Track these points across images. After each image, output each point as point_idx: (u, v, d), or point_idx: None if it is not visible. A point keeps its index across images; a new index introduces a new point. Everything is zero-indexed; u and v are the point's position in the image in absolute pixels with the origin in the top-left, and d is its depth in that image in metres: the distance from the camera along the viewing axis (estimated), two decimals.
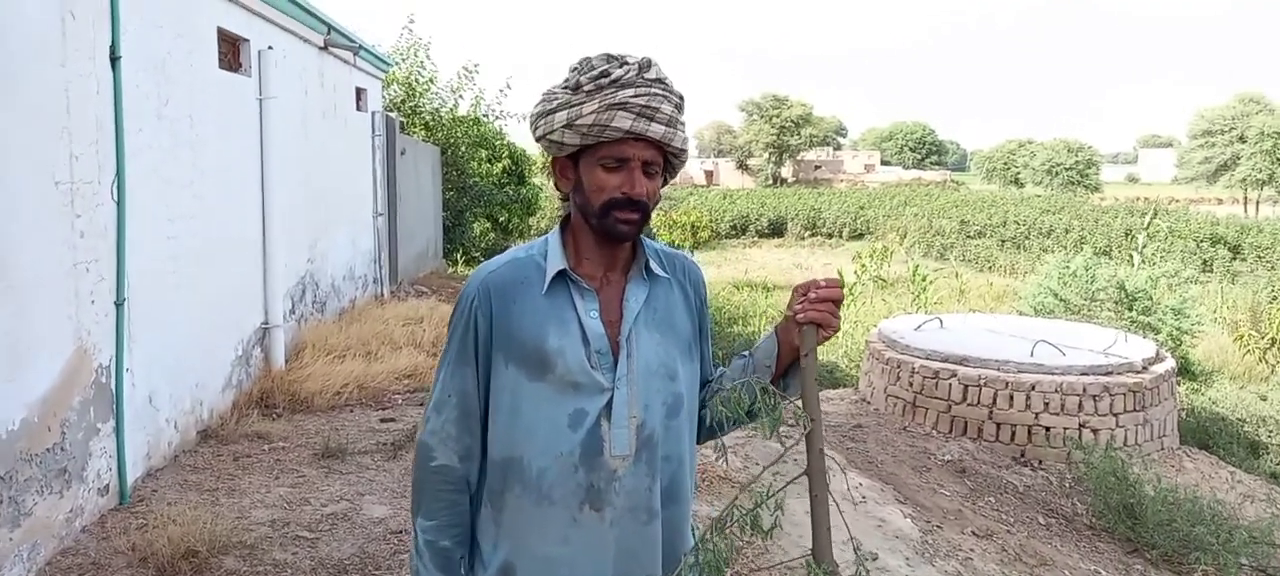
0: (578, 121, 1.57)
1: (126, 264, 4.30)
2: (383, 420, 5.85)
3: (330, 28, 7.89)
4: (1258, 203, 51.04)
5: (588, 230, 1.64)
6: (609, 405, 1.60)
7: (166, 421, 4.92)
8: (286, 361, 6.55)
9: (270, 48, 6.38)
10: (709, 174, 75.91)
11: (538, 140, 1.68)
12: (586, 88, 1.59)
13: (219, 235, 5.62)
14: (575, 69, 1.63)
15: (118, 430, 4.29)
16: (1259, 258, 25.19)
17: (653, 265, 1.69)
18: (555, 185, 1.70)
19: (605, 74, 1.59)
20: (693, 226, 31.83)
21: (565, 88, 1.62)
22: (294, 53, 7.13)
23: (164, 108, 4.84)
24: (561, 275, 1.63)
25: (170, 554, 3.71)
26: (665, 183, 1.70)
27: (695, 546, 1.43)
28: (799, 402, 1.56)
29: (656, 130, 1.57)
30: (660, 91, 1.58)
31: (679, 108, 1.62)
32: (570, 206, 1.68)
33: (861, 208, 39.31)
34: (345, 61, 8.71)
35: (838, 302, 1.59)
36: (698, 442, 1.79)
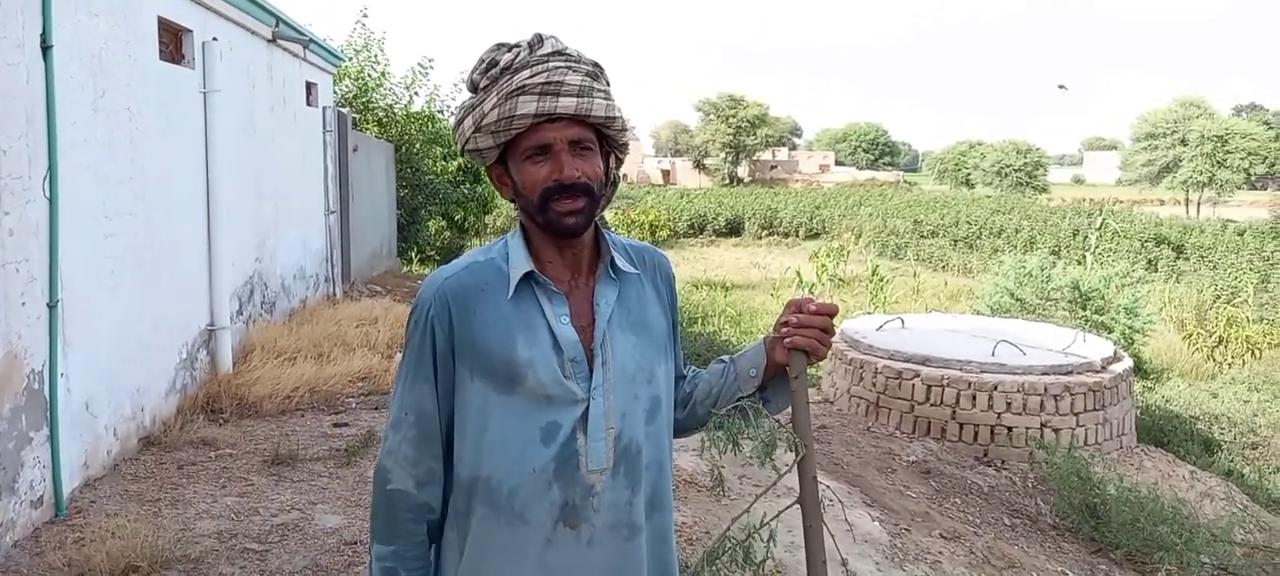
0: (485, 122, 1.46)
1: (60, 264, 4.06)
2: (336, 425, 5.64)
3: (279, 20, 7.63)
4: (1198, 204, 52.48)
5: (540, 233, 1.51)
6: (584, 416, 1.47)
7: (105, 428, 4.67)
8: (234, 364, 6.31)
9: (215, 39, 6.14)
10: (666, 173, 76.05)
11: (463, 155, 1.56)
12: (482, 84, 1.48)
13: (161, 233, 5.37)
14: (471, 70, 1.51)
15: (52, 438, 4.05)
16: (1201, 257, 25.82)
17: (619, 261, 1.56)
18: (502, 196, 1.57)
19: (494, 63, 1.47)
20: (651, 225, 31.74)
21: (469, 91, 1.51)
22: (240, 45, 6.88)
23: (100, 100, 4.59)
24: (527, 278, 1.49)
25: (109, 569, 3.52)
26: (618, 162, 1.58)
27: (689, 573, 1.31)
28: (788, 425, 1.47)
29: (567, 104, 1.43)
30: (561, 64, 1.45)
31: (592, 76, 1.48)
32: (518, 211, 1.54)
33: (817, 207, 39.57)
34: (295, 55, 8.45)
35: (826, 329, 1.50)
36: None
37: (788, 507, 1.39)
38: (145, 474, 4.69)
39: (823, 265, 18.41)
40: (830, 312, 1.51)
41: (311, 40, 8.57)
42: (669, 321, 1.64)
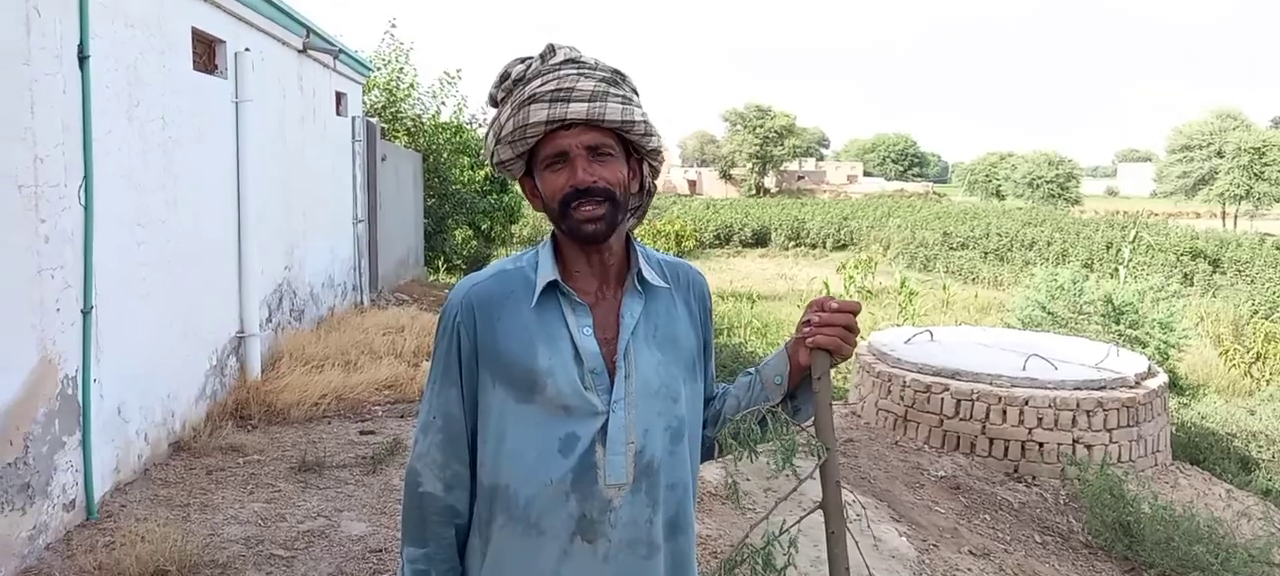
0: (503, 133, 1.48)
1: (94, 270, 4.12)
2: (362, 432, 5.67)
3: (309, 30, 7.72)
4: (1235, 216, 51.58)
5: (568, 242, 1.51)
6: (604, 429, 1.46)
7: (136, 433, 4.73)
8: (263, 371, 6.36)
9: (247, 50, 6.21)
10: (692, 183, 75.97)
11: (496, 170, 1.58)
12: (499, 98, 1.50)
13: (192, 241, 5.44)
14: (490, 85, 1.53)
15: (84, 443, 4.10)
16: (1238, 271, 25.37)
17: (648, 274, 1.54)
18: (534, 208, 1.58)
19: (507, 75, 1.49)
20: (677, 235, 31.72)
21: (490, 106, 1.54)
22: (272, 55, 6.96)
23: (135, 109, 4.66)
24: (552, 287, 1.49)
25: (138, 573, 3.56)
26: (652, 171, 1.56)
27: None
28: (812, 430, 1.43)
29: (577, 109, 1.43)
30: (572, 71, 1.45)
31: (609, 82, 1.47)
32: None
33: (845, 218, 39.35)
34: (324, 65, 8.54)
35: (850, 327, 1.46)
36: (702, 459, 1.65)
37: (810, 513, 1.37)
38: (175, 479, 4.74)
39: (851, 276, 18.30)
40: (852, 310, 1.48)
41: (341, 51, 8.66)
42: (700, 340, 1.62)
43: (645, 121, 1.51)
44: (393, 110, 14.36)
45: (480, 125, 16.11)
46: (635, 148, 1.53)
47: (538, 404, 1.46)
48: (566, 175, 1.45)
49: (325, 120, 8.63)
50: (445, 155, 15.08)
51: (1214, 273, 25.56)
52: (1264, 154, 51.35)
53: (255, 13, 6.40)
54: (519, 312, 1.48)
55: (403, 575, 1.56)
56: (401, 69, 14.49)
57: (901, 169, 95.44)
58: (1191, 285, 23.89)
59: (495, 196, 16.71)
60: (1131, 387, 6.91)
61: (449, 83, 15.23)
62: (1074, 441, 6.56)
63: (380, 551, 3.98)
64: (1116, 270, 18.45)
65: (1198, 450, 8.22)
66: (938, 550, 4.70)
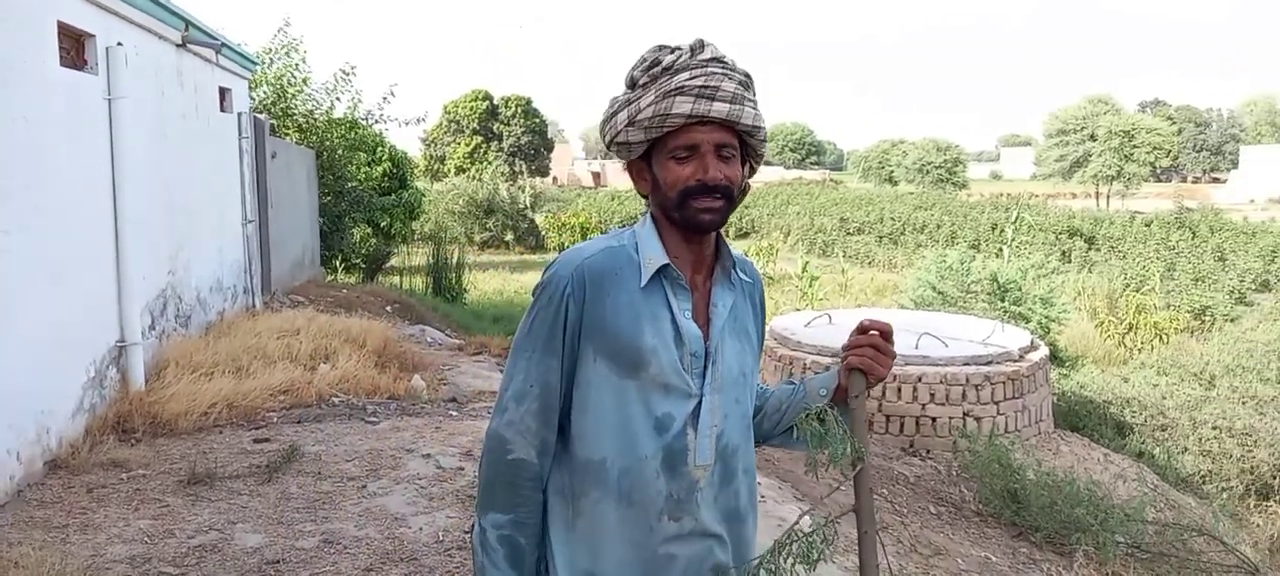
0: (639, 117, 1.53)
1: None
2: (257, 441, 5.47)
3: (188, 23, 7.38)
4: (1108, 197, 54.67)
5: (672, 228, 1.57)
6: (696, 412, 1.54)
7: (7, 453, 4.44)
8: (147, 381, 6.06)
9: (120, 44, 5.90)
10: (597, 176, 75.91)
11: (609, 148, 1.61)
12: (642, 81, 1.54)
13: (65, 247, 5.14)
14: (632, 67, 1.57)
15: None
16: (1111, 248, 26.91)
17: (736, 270, 1.63)
18: (638, 191, 1.63)
19: (656, 62, 1.53)
20: (582, 228, 31.67)
21: (626, 88, 1.57)
22: (147, 50, 6.62)
23: None
24: (660, 270, 1.54)
25: None
26: (751, 171, 1.63)
27: (759, 562, 1.41)
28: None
29: (720, 109, 1.49)
30: (718, 70, 1.52)
31: (744, 85, 1.55)
32: (652, 206, 1.61)
33: (747, 207, 40.01)
34: (206, 60, 8.18)
35: (879, 348, 1.56)
36: None
37: (845, 512, 1.50)
38: (52, 499, 4.48)
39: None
40: (883, 331, 1.57)
41: (224, 44, 8.31)
42: (759, 336, 1.71)
43: (764, 128, 1.59)
44: (284, 106, 13.85)
45: (377, 121, 15.68)
46: (750, 150, 1.59)
47: (639, 381, 1.51)
48: (693, 168, 1.51)
49: (209, 117, 8.27)
50: (340, 152, 14.64)
51: (1089, 250, 27.06)
52: (1133, 137, 54.63)
53: (128, 5, 6.08)
54: (628, 290, 1.53)
55: (483, 542, 1.56)
56: (294, 65, 13.98)
57: (799, 157, 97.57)
58: (1069, 262, 25.23)
59: (395, 193, 16.32)
60: (1016, 361, 7.25)
61: (344, 78, 14.78)
62: (964, 415, 6.85)
63: (277, 562, 3.85)
64: (1001, 250, 19.33)
65: (1077, 418, 8.70)
66: (839, 526, 4.83)
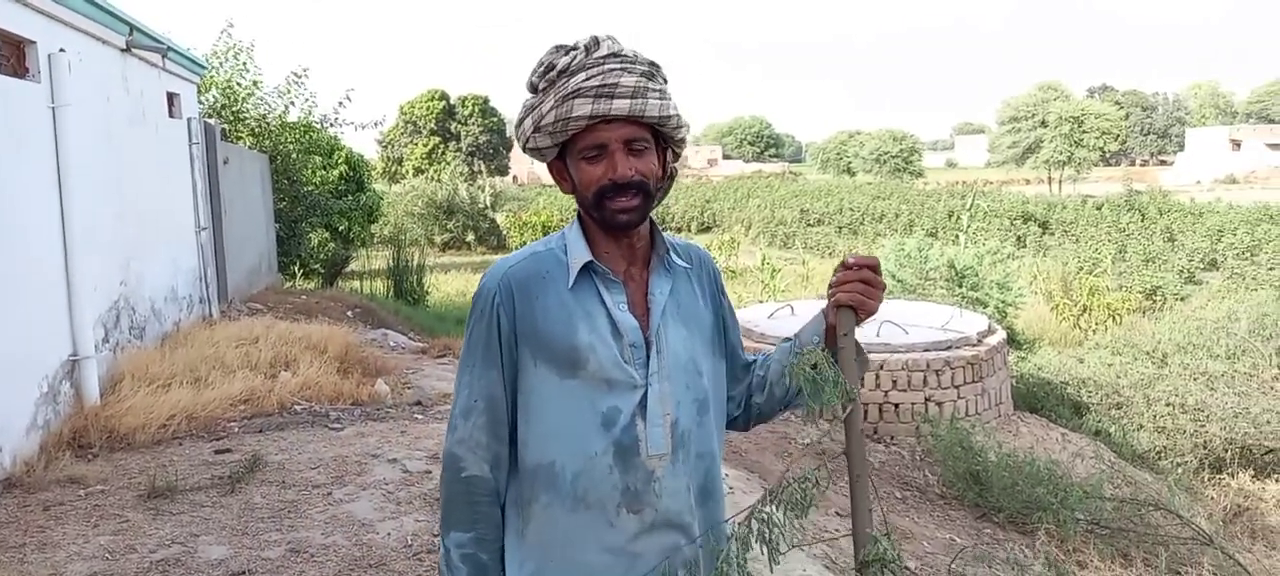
0: (543, 123, 1.52)
1: None
2: (218, 452, 5.38)
3: (133, 27, 7.22)
4: (1060, 182, 55.67)
5: (596, 226, 1.57)
6: (643, 402, 1.53)
7: None
8: (102, 395, 5.93)
9: (62, 50, 5.75)
10: None
11: (526, 154, 1.61)
12: (541, 87, 1.53)
13: (10, 261, 5.01)
14: (531, 72, 1.56)
15: None
16: (1065, 232, 27.42)
17: (673, 255, 1.62)
18: (562, 190, 1.64)
19: (551, 66, 1.52)
20: (544, 226, 31.55)
21: (528, 93, 1.57)
22: (91, 55, 6.47)
23: None
24: (586, 268, 1.54)
25: None
26: (675, 157, 1.62)
27: (751, 511, 1.38)
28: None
29: (620, 105, 1.48)
30: (616, 65, 1.50)
31: (649, 76, 1.53)
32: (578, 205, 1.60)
33: (707, 201, 40.12)
34: (153, 65, 8.01)
35: (868, 281, 1.52)
36: (747, 426, 1.76)
37: (836, 456, 1.48)
38: (8, 518, 4.37)
39: (715, 257, 18.69)
40: (870, 265, 1.54)
41: (170, 49, 8.15)
42: (717, 319, 1.69)
43: (677, 114, 1.56)
44: (234, 110, 13.60)
45: (331, 125, 15.46)
46: (665, 138, 1.58)
47: (580, 379, 1.51)
48: (603, 167, 1.50)
49: (157, 123, 8.10)
50: (295, 156, 14.41)
51: (1043, 234, 27.54)
52: (1082, 122, 55.68)
53: (69, 10, 5.94)
54: (557, 292, 1.53)
55: (447, 562, 1.56)
56: (243, 67, 13.73)
57: (758, 150, 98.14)
58: (1024, 247, 25.68)
59: (352, 196, 16.12)
60: (975, 346, 7.37)
61: (297, 81, 14.55)
62: (926, 400, 6.94)
63: (243, 573, 3.79)
64: (957, 237, 19.61)
65: (1035, 399, 8.85)
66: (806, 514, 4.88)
